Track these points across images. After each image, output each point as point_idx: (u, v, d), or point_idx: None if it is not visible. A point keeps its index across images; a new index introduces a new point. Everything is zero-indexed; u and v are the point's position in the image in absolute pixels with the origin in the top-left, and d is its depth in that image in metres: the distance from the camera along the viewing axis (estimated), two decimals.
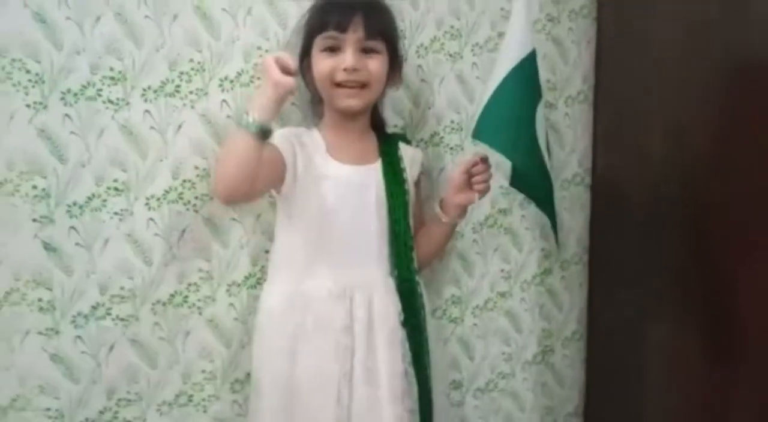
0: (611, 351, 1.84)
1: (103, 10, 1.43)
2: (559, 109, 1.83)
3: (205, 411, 1.58)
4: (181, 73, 1.49)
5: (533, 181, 1.59)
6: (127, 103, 1.46)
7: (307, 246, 1.44)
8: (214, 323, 1.57)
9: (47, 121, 1.41)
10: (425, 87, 1.70)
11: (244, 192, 1.35)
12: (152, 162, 1.49)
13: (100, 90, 1.44)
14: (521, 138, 1.48)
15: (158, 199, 1.50)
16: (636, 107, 1.70)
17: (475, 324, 1.81)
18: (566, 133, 1.85)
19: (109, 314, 1.49)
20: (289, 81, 1.27)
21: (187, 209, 1.52)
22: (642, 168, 1.69)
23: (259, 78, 1.52)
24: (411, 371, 1.46)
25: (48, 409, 1.46)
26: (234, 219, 1.56)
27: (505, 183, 1.74)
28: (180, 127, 1.50)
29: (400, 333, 1.45)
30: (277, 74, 1.26)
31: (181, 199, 1.51)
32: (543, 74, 1.69)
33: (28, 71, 1.39)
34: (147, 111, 1.47)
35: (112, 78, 1.45)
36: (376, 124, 1.57)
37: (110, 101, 1.45)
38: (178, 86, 1.49)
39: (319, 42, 1.43)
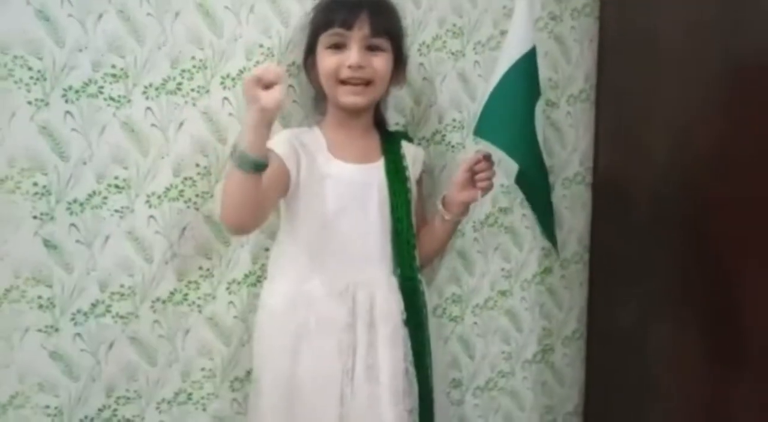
0: (611, 350, 1.84)
1: (105, 7, 1.43)
2: (561, 107, 1.83)
3: (204, 410, 1.58)
4: (183, 70, 1.49)
5: (533, 179, 1.59)
6: (129, 101, 1.46)
7: (310, 245, 1.44)
8: (214, 321, 1.57)
9: (49, 118, 1.40)
10: (427, 85, 1.70)
11: (253, 225, 1.38)
12: (153, 159, 1.48)
13: (102, 87, 1.43)
14: (521, 134, 1.49)
15: (159, 197, 1.50)
16: (638, 106, 1.70)
17: (475, 323, 1.81)
18: (568, 132, 1.84)
19: (109, 311, 1.49)
20: (275, 98, 1.22)
21: (188, 207, 1.52)
22: (643, 167, 1.69)
23: None
24: (412, 370, 1.46)
25: (47, 407, 1.46)
26: None
27: (506, 181, 1.74)
28: (181, 124, 1.50)
29: (403, 332, 1.45)
30: (264, 99, 1.21)
31: (182, 196, 1.51)
32: (545, 73, 1.70)
33: (30, 68, 1.38)
34: (149, 108, 1.47)
35: (114, 75, 1.44)
36: (379, 122, 1.57)
37: (112, 98, 1.44)
38: (179, 84, 1.49)
39: (325, 39, 1.42)
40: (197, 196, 1.52)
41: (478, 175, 1.50)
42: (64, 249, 1.44)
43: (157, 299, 1.52)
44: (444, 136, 1.72)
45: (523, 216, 1.82)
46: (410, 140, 1.62)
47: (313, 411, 1.40)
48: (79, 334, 1.47)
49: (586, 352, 1.93)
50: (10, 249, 1.41)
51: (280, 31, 1.54)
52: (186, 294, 1.54)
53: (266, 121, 1.24)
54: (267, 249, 1.56)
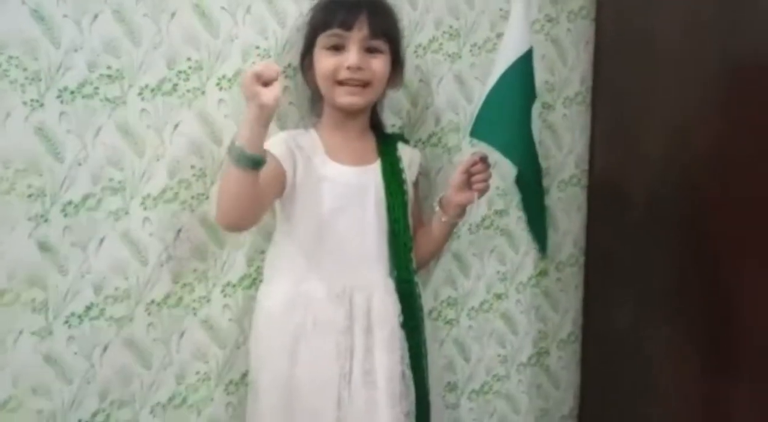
0: (606, 353, 1.84)
1: (101, 7, 1.41)
2: (557, 110, 1.83)
3: (199, 413, 1.57)
4: (179, 71, 1.48)
5: (528, 180, 1.60)
6: (124, 102, 1.44)
7: (307, 247, 1.44)
8: (209, 324, 1.55)
9: (44, 119, 1.39)
10: (423, 87, 1.69)
11: (246, 223, 1.39)
12: (149, 161, 1.47)
13: (97, 88, 1.42)
14: (518, 136, 1.49)
15: (154, 199, 1.48)
16: (635, 107, 1.70)
17: (470, 326, 1.80)
18: (564, 134, 1.85)
19: (103, 314, 1.47)
20: (275, 95, 1.23)
21: (183, 209, 1.51)
22: (640, 169, 1.69)
23: None
24: (409, 373, 1.46)
25: (41, 411, 1.44)
26: None
27: (502, 184, 1.74)
28: (177, 126, 1.48)
29: (399, 335, 1.45)
30: (263, 95, 1.22)
31: (177, 198, 1.50)
32: (541, 75, 1.70)
33: (25, 69, 1.37)
34: (144, 109, 1.46)
35: (110, 76, 1.43)
36: (375, 124, 1.57)
37: (107, 99, 1.43)
38: (175, 85, 1.48)
39: (323, 40, 1.42)
40: (192, 197, 1.51)
41: (474, 177, 1.50)
42: (58, 252, 1.42)
43: (152, 302, 1.51)
44: (440, 138, 1.72)
45: (518, 219, 1.82)
46: (407, 142, 1.62)
47: (310, 413, 1.40)
48: (73, 337, 1.45)
49: (582, 355, 1.93)
50: (4, 251, 1.39)
51: (277, 32, 1.54)
52: (181, 297, 1.53)
53: (265, 118, 1.24)
54: (262, 252, 1.55)
